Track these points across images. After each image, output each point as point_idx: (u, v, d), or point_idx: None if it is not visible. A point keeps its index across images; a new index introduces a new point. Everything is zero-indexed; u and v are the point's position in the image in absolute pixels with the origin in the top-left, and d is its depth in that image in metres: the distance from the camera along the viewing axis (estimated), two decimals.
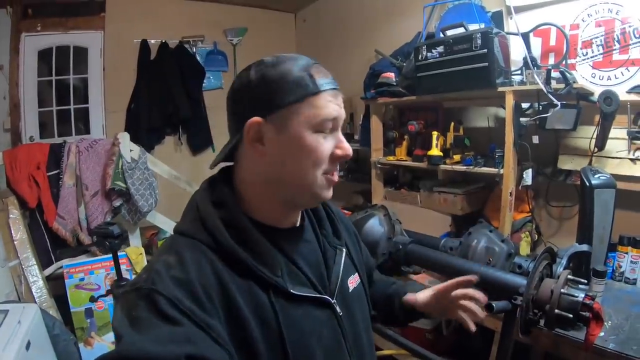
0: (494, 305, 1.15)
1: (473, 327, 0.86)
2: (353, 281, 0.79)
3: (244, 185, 0.68)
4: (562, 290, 1.13)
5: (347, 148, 0.67)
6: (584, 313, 1.09)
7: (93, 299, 2.14)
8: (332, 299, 0.70)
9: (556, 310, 1.12)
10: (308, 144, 0.62)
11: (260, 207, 0.68)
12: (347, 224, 0.89)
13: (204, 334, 0.52)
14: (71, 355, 2.00)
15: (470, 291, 0.86)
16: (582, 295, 1.11)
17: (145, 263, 2.46)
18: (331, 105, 0.64)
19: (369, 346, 0.79)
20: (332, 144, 0.65)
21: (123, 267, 2.42)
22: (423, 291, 0.93)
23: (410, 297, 0.93)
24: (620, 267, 1.65)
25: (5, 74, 2.88)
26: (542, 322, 1.21)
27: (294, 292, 0.63)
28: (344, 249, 0.78)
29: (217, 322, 0.55)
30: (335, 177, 0.68)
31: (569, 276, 1.17)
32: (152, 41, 3.29)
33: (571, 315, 1.09)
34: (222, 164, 0.73)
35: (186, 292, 0.54)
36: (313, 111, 0.62)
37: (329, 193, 0.68)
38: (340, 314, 0.71)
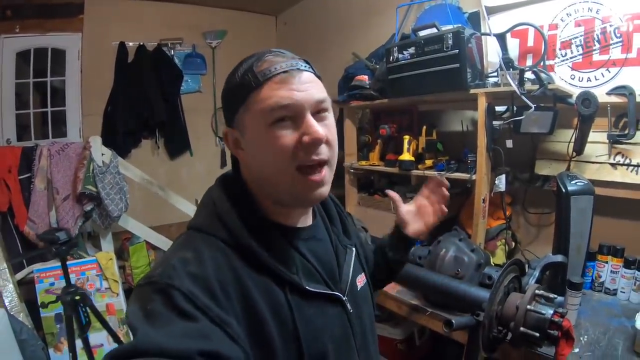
0: (453, 321, 1.09)
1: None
2: (361, 280, 0.80)
3: (249, 186, 0.69)
4: (528, 306, 1.07)
5: (315, 131, 0.60)
6: (552, 331, 1.04)
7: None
8: (344, 296, 0.71)
9: (521, 328, 1.06)
10: (265, 140, 0.61)
11: (266, 206, 0.68)
12: (351, 223, 0.90)
13: (219, 330, 0.52)
14: None
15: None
16: (551, 311, 1.05)
17: (116, 268, 2.47)
18: (279, 92, 0.59)
19: (374, 345, 0.81)
20: (297, 134, 0.60)
21: (93, 272, 2.44)
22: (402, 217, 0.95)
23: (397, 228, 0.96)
24: (600, 277, 1.59)
25: None
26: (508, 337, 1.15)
27: (309, 288, 0.64)
28: (354, 249, 0.79)
29: (233, 319, 0.55)
30: (317, 177, 0.63)
31: (538, 291, 1.12)
32: (130, 44, 3.27)
33: (538, 334, 1.03)
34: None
35: (202, 288, 0.54)
36: (259, 105, 0.60)
37: (316, 194, 0.64)
38: (351, 311, 0.72)
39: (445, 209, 0.95)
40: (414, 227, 0.94)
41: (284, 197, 0.65)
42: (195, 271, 0.55)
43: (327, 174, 0.65)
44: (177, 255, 0.58)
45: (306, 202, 0.68)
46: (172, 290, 0.52)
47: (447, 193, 0.95)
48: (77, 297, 1.78)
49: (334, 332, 0.67)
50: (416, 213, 0.96)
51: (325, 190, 0.66)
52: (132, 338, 0.50)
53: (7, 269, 2.19)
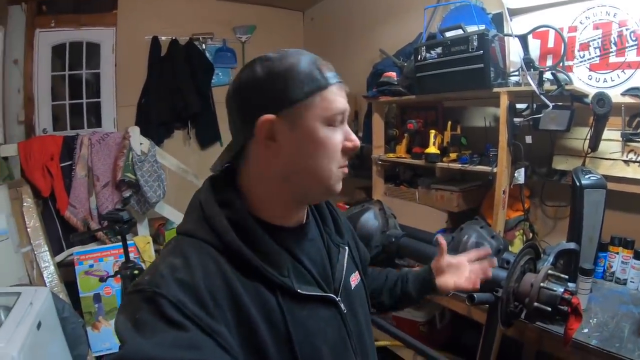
0: (475, 296, 1.20)
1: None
2: (355, 279, 0.79)
3: (252, 184, 0.66)
4: (541, 284, 1.16)
5: (356, 140, 0.67)
6: (562, 307, 1.13)
7: (103, 280, 2.24)
8: (337, 297, 0.70)
9: (535, 303, 1.15)
10: (322, 138, 0.62)
11: (268, 206, 0.66)
12: (345, 221, 0.89)
13: (209, 339, 0.51)
14: (79, 337, 2.09)
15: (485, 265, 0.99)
16: (562, 289, 1.14)
17: (153, 252, 2.57)
18: (339, 98, 0.64)
19: (371, 344, 0.79)
20: (341, 137, 0.65)
21: (131, 255, 2.54)
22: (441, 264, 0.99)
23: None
24: (611, 267, 1.67)
25: (20, 68, 2.95)
26: (523, 315, 1.26)
27: (300, 291, 0.63)
28: (347, 247, 0.78)
29: (223, 327, 0.53)
30: (346, 170, 0.68)
31: (550, 271, 1.21)
32: (163, 38, 3.36)
33: (549, 309, 1.13)
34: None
35: (191, 296, 0.53)
36: (325, 105, 0.62)
37: (340, 185, 0.68)
38: (345, 311, 0.71)
39: (478, 286, 0.98)
40: (445, 279, 0.97)
41: (315, 191, 0.67)
42: (184, 278, 0.54)
43: None
44: (166, 261, 0.57)
45: (334, 192, 0.68)
46: (160, 298, 0.51)
47: (489, 274, 0.99)
48: (136, 272, 1.93)
49: (329, 335, 0.66)
50: (455, 268, 0.98)
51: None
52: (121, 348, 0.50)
53: (48, 252, 2.31)
